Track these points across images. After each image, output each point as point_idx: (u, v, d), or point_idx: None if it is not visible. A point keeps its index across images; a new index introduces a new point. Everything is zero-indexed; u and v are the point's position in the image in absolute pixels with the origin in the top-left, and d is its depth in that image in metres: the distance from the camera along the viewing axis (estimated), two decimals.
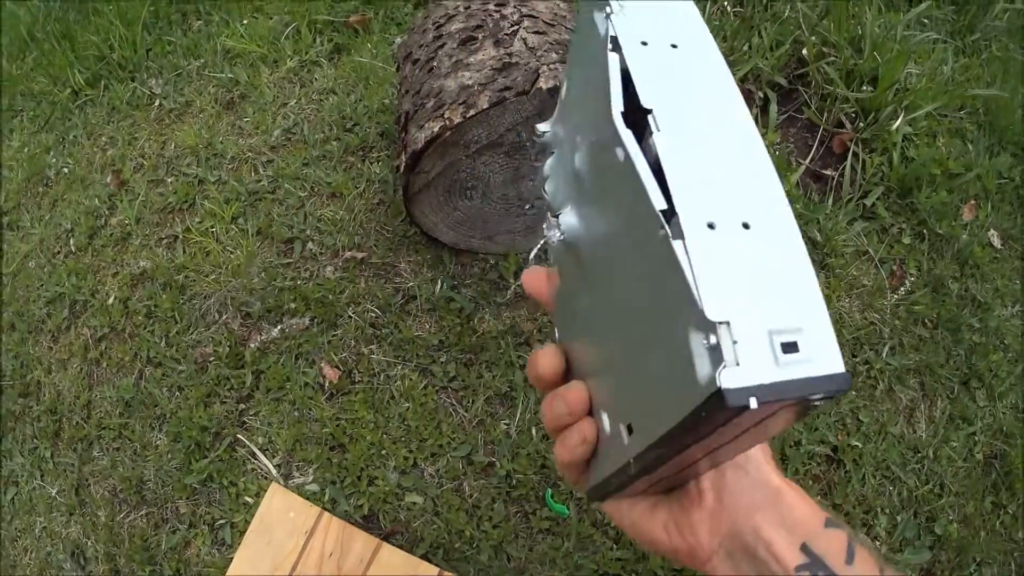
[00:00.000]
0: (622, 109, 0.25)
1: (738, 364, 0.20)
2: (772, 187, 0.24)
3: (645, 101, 0.25)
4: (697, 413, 0.21)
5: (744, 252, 0.22)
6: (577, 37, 0.32)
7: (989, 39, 1.81)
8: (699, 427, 0.21)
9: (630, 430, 0.27)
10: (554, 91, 1.11)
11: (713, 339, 0.20)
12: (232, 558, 1.12)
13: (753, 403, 0.19)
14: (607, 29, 0.28)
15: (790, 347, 0.20)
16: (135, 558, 1.19)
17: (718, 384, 0.20)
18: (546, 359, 0.36)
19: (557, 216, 0.32)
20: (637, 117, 0.26)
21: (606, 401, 0.31)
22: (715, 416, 0.20)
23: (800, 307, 0.21)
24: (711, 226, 0.22)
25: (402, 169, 1.15)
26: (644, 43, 0.27)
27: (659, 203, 0.22)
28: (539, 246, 0.36)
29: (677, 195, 0.22)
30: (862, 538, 0.33)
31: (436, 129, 1.10)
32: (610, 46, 0.27)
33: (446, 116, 1.11)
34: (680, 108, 0.25)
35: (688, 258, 0.21)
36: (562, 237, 0.32)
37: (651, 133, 0.25)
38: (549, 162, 0.36)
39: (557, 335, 0.38)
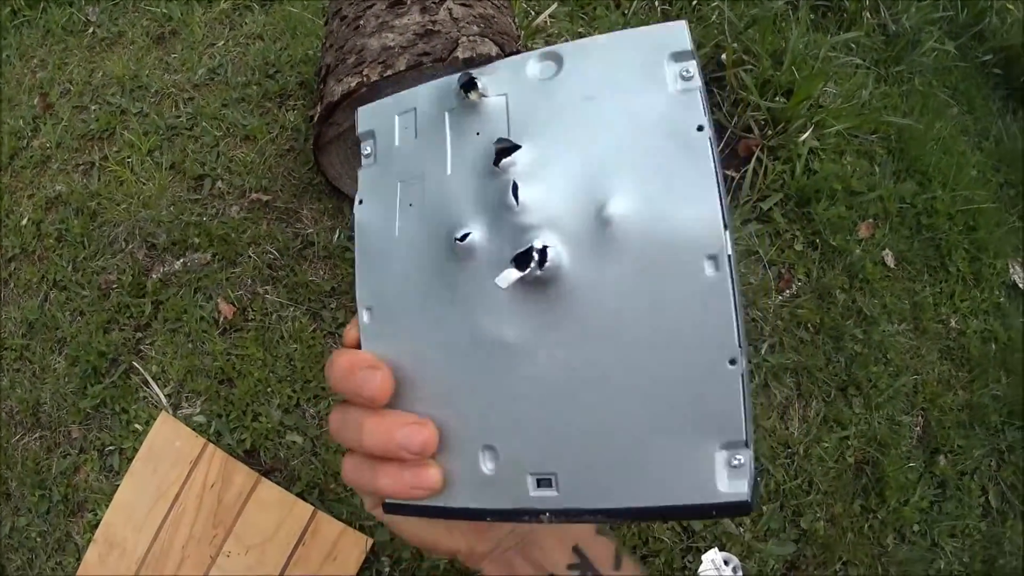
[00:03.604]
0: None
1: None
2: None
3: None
4: (707, 510, 0.25)
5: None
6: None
7: (913, 73, 1.89)
8: (687, 516, 0.26)
9: (543, 484, 0.28)
10: (470, 62, 1.15)
11: (741, 459, 0.24)
12: (119, 485, 1.15)
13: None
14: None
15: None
16: (26, 481, 1.20)
17: (748, 499, 0.24)
18: (382, 380, 0.29)
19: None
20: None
21: (487, 440, 0.29)
22: (715, 514, 0.25)
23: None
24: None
25: (315, 119, 1.18)
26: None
27: (733, 342, 0.25)
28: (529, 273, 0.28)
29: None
30: (629, 552, 0.37)
31: (353, 84, 1.14)
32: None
33: (364, 73, 1.15)
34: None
35: (745, 390, 0.25)
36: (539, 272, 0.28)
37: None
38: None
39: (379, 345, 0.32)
